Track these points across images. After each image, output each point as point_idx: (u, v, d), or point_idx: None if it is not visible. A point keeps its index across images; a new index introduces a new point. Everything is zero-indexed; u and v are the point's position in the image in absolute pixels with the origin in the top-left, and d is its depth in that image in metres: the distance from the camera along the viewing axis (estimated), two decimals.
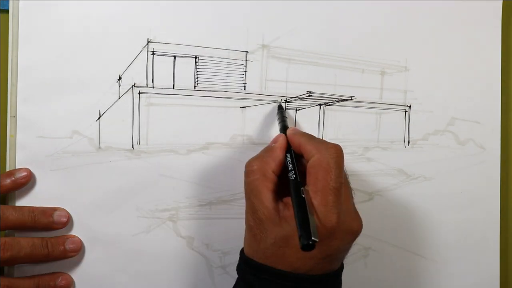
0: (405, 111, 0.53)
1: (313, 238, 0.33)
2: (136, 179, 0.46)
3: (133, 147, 0.46)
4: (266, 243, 0.37)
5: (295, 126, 0.49)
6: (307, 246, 0.33)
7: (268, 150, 0.42)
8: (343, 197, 0.37)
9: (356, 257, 0.52)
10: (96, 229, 0.45)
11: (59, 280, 0.44)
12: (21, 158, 0.43)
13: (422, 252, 0.54)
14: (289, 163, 0.40)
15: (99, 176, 0.45)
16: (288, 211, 0.37)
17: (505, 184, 0.57)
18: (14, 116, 0.43)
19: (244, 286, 0.39)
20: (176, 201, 0.47)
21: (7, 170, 0.43)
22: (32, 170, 0.43)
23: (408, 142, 0.53)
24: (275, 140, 0.43)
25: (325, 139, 0.47)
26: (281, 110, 0.48)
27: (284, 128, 0.45)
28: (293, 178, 0.38)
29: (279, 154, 0.41)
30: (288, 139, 0.42)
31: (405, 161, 0.53)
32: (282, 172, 0.40)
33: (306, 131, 0.44)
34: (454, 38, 0.54)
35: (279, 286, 0.37)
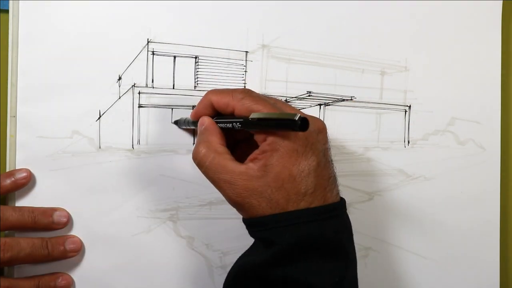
0: (405, 111, 0.53)
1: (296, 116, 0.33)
2: (136, 179, 0.46)
3: (133, 147, 0.46)
4: (265, 198, 0.36)
5: None
6: (301, 121, 0.33)
7: (202, 133, 0.41)
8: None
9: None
10: (96, 229, 0.45)
11: (59, 280, 0.44)
12: (21, 158, 0.43)
13: (422, 252, 0.54)
14: (225, 121, 0.39)
15: (99, 176, 0.45)
16: (260, 160, 0.37)
17: (505, 184, 0.57)
18: (14, 116, 0.43)
19: (262, 247, 0.37)
20: (176, 201, 0.47)
21: (7, 170, 0.43)
22: (32, 170, 0.43)
23: (408, 142, 0.53)
24: (201, 124, 0.41)
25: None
26: (177, 122, 0.47)
27: (194, 118, 0.43)
28: (240, 123, 0.38)
29: (214, 128, 0.40)
30: (207, 117, 0.41)
31: (405, 161, 0.53)
32: (227, 146, 0.40)
33: None
34: (454, 38, 0.54)
35: (296, 226, 0.36)
